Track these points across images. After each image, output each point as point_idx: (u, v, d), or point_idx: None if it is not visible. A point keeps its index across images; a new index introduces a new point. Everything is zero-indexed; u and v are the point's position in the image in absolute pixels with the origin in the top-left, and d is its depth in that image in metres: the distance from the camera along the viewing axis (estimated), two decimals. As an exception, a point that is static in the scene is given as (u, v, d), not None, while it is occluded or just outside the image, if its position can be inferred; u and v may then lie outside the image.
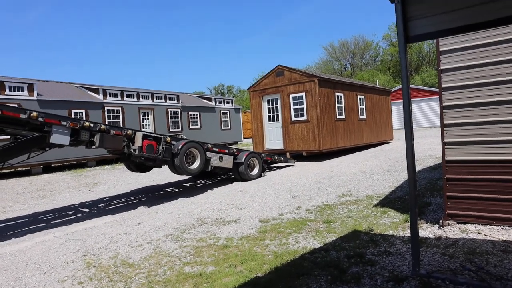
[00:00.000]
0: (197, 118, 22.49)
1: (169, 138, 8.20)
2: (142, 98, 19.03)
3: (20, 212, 8.21)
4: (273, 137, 13.96)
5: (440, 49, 4.78)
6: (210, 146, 9.08)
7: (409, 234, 4.16)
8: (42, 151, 7.41)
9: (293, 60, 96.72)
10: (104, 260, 4.68)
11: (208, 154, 8.91)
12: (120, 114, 17.59)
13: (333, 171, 10.23)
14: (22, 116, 6.08)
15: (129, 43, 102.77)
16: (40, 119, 6.22)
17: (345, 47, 54.67)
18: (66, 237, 5.89)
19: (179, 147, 8.16)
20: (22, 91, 14.21)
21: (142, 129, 17.22)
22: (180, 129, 20.71)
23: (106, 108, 16.99)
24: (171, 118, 20.49)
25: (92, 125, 6.93)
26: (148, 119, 19.16)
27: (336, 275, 3.64)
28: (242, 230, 5.56)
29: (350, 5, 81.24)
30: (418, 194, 6.54)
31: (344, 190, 7.81)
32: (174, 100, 20.92)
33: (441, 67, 4.78)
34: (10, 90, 13.80)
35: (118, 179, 12.09)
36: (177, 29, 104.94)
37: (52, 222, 7.04)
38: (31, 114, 6.13)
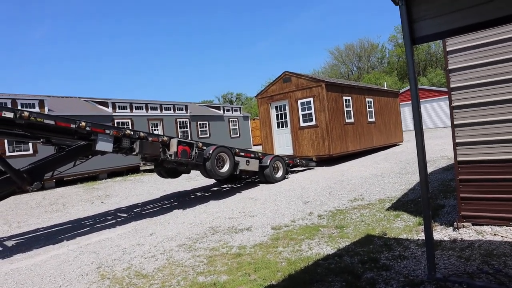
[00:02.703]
0: (206, 127, 22.61)
1: (200, 144, 8.55)
2: (150, 110, 19.23)
3: (35, 226, 8.32)
4: (283, 143, 13.94)
5: (448, 49, 4.74)
6: (237, 150, 9.37)
7: (424, 237, 4.10)
8: (86, 159, 7.89)
9: (300, 66, 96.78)
10: (118, 272, 4.71)
11: (236, 158, 9.20)
12: (130, 126, 17.77)
13: (344, 175, 10.16)
14: (72, 126, 6.50)
15: (136, 54, 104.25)
16: (87, 128, 6.66)
17: (351, 51, 54.55)
18: (80, 250, 5.94)
19: (210, 152, 8.47)
20: (34, 107, 14.50)
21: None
22: (189, 139, 20.82)
23: (115, 121, 17.20)
24: (180, 128, 20.64)
25: (132, 133, 7.36)
26: (157, 130, 19.31)
27: (351, 281, 3.60)
28: (254, 238, 5.54)
29: (354, 9, 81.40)
30: (431, 196, 6.44)
31: (356, 194, 7.74)
32: (182, 110, 21.11)
33: (449, 67, 4.74)
34: (22, 107, 14.10)
35: (130, 191, 12.19)
36: (183, 38, 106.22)
37: (66, 235, 7.11)
38: (80, 124, 6.56)
